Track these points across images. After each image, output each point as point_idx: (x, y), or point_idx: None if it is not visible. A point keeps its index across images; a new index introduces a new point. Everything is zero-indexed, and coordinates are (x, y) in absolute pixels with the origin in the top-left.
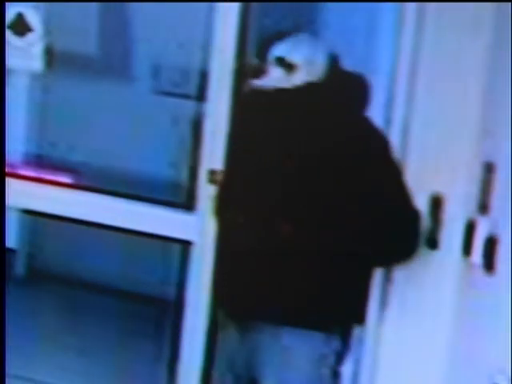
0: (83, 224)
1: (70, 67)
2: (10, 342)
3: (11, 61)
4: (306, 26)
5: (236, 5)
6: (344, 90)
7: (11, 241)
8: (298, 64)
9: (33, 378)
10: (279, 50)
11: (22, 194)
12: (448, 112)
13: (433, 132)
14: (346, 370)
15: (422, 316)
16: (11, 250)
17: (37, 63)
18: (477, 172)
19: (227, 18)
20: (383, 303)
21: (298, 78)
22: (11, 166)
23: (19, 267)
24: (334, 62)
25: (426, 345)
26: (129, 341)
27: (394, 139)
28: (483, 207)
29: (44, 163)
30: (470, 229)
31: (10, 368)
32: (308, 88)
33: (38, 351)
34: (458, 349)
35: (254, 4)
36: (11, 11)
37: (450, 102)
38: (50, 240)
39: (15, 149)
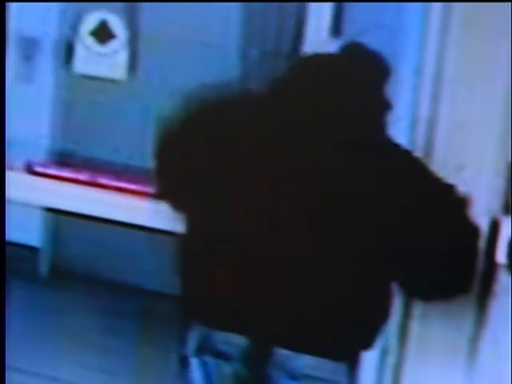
0: (107, 223)
1: None
2: (34, 341)
3: (96, 69)
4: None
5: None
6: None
7: (35, 239)
8: None
9: (57, 377)
10: None
11: (46, 192)
12: (473, 111)
13: (458, 131)
14: None
15: (446, 315)
16: (35, 249)
17: (120, 71)
18: (501, 172)
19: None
20: (407, 301)
21: None
22: (35, 164)
23: (43, 266)
24: None
25: (449, 345)
26: (153, 340)
27: (420, 138)
28: (507, 207)
29: (67, 161)
30: (493, 228)
31: (35, 366)
32: None
33: (62, 350)
34: (483, 349)
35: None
36: (95, 18)
37: (474, 102)
38: (74, 239)
39: (39, 146)
